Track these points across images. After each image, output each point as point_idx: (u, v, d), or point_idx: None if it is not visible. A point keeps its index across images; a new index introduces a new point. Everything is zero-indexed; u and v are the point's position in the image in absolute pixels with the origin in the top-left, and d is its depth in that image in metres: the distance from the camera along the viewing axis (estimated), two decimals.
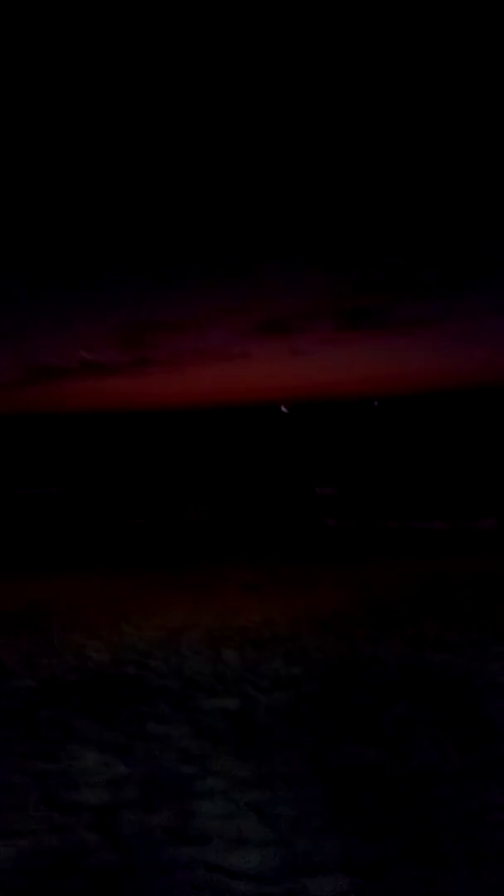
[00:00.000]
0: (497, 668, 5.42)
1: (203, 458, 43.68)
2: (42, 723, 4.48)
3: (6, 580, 11.57)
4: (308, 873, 2.77)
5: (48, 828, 3.14)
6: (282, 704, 4.77)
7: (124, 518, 21.87)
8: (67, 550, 15.66)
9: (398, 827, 3.10)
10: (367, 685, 5.10)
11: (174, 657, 6.11)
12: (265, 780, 3.57)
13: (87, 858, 2.90)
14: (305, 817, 3.20)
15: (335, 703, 4.74)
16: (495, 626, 6.84)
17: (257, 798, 3.39)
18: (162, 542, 16.16)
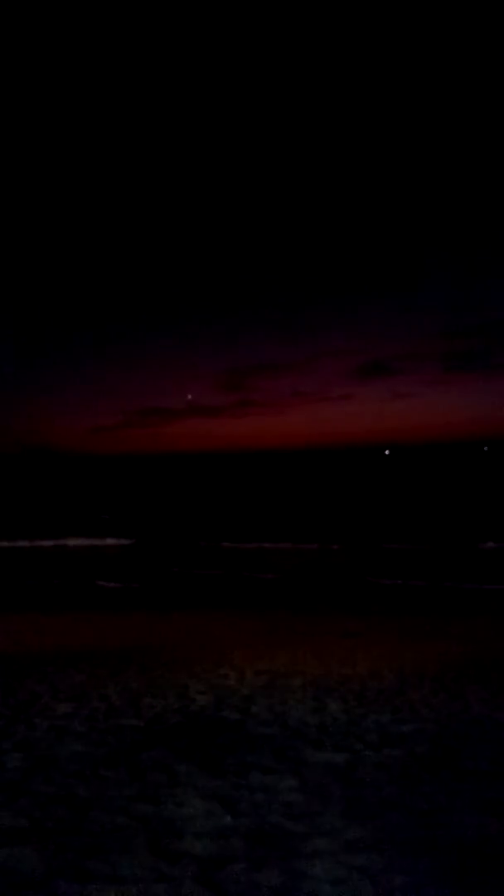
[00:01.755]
0: None
1: (305, 501, 43.42)
2: (147, 765, 4.45)
3: (115, 617, 11.82)
4: None
5: (154, 876, 3.07)
6: (391, 763, 4.54)
7: (225, 562, 21.99)
8: (168, 591, 15.86)
9: None
10: (483, 749, 4.78)
11: (277, 705, 5.97)
12: (377, 844, 3.37)
13: None
14: (422, 889, 2.98)
15: (449, 766, 4.45)
16: None
17: (369, 863, 3.19)
18: (260, 587, 16.08)
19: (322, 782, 4.18)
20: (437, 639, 9.10)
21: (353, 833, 3.48)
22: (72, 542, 26.45)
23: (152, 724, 5.35)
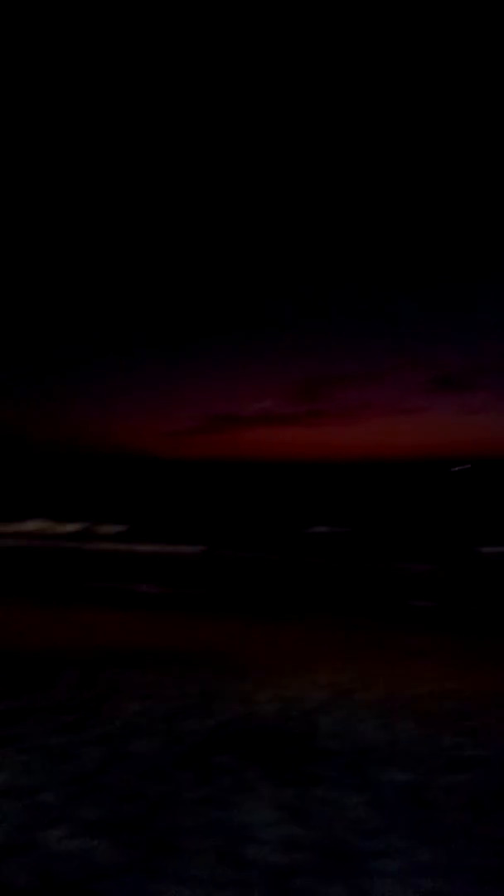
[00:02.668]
0: None
1: (373, 513, 42.98)
2: (215, 769, 4.52)
3: (185, 619, 12.01)
4: None
5: (222, 882, 3.13)
6: (461, 788, 4.46)
7: (286, 570, 21.99)
8: (237, 598, 15.98)
9: None
10: None
11: (344, 720, 5.95)
12: (448, 868, 3.33)
13: None
14: None
15: None
16: None
17: (440, 888, 3.16)
18: (329, 599, 16.00)
19: (390, 801, 4.15)
20: None
21: (421, 856, 3.45)
22: (141, 547, 27.00)
23: (220, 730, 5.43)
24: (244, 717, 5.82)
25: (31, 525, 32.40)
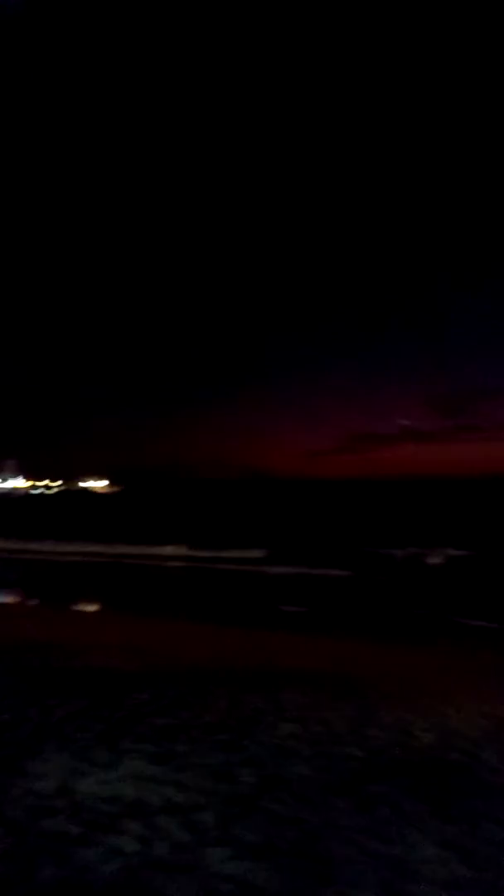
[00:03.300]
0: None
1: None
2: (372, 798, 4.37)
3: (333, 643, 11.88)
4: None
5: None
6: None
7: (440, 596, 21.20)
8: (388, 622, 15.61)
9: None
10: None
11: None
12: None
13: None
14: None
15: None
16: None
17: None
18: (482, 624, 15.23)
19: None
20: None
21: None
22: (275, 569, 27.03)
23: (375, 757, 5.25)
24: (400, 746, 5.61)
25: (169, 549, 33.30)
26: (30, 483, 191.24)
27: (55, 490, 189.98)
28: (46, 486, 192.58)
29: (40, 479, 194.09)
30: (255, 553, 31.17)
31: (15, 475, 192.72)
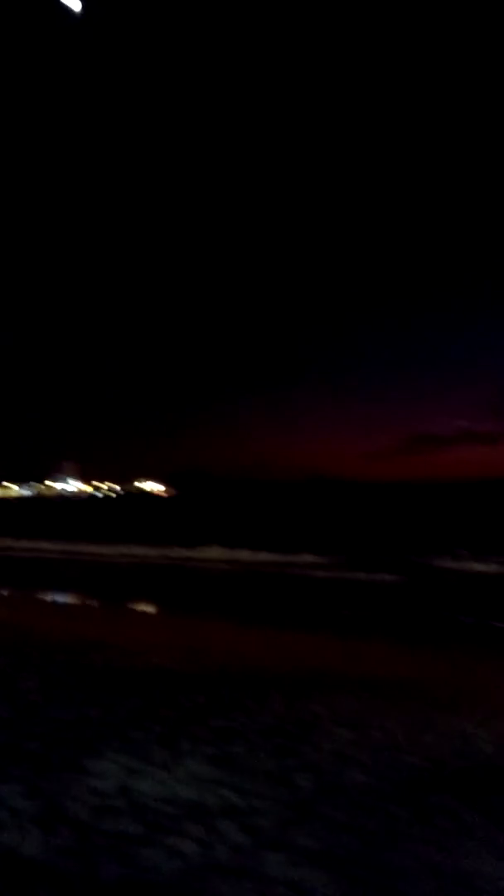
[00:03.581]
0: None
1: None
2: (432, 808, 4.31)
3: (388, 648, 11.74)
4: None
5: None
6: None
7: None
8: (454, 630, 15.35)
9: None
10: None
11: None
12: None
13: None
14: None
15: None
16: None
17: None
18: None
19: None
20: None
21: None
22: (327, 573, 26.90)
23: (436, 766, 5.18)
24: (461, 755, 5.51)
25: (214, 552, 33.30)
26: (88, 486, 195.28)
27: (113, 493, 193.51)
28: (108, 489, 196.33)
29: (98, 482, 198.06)
30: (308, 557, 31.07)
31: (74, 477, 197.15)
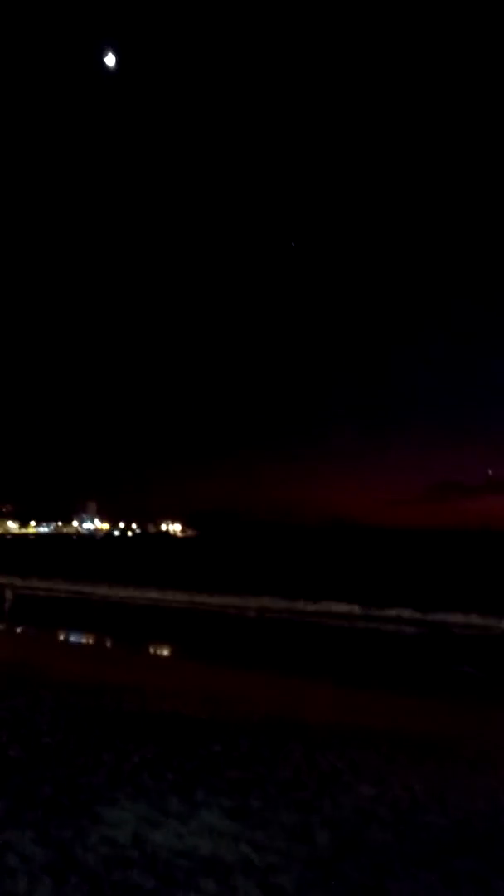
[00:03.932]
0: None
1: None
2: (459, 875, 4.10)
3: (410, 702, 11.43)
4: None
5: None
6: None
7: None
8: (471, 681, 14.95)
9: None
10: None
11: None
12: None
13: None
14: None
15: None
16: None
17: None
18: None
19: None
20: None
21: None
22: (348, 622, 26.40)
23: (461, 828, 4.95)
24: (487, 817, 5.27)
25: (232, 598, 32.70)
26: (107, 525, 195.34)
27: (132, 533, 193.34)
28: (127, 529, 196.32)
29: (118, 521, 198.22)
30: (331, 605, 30.55)
31: (94, 517, 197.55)
